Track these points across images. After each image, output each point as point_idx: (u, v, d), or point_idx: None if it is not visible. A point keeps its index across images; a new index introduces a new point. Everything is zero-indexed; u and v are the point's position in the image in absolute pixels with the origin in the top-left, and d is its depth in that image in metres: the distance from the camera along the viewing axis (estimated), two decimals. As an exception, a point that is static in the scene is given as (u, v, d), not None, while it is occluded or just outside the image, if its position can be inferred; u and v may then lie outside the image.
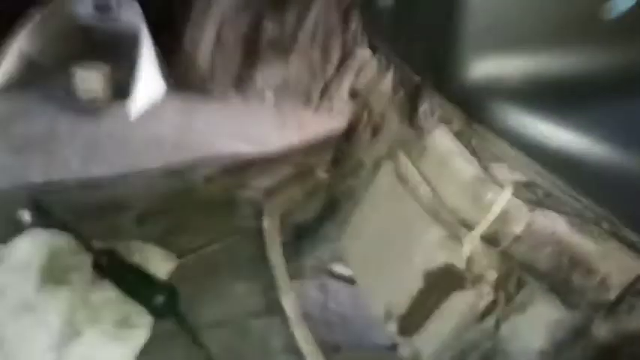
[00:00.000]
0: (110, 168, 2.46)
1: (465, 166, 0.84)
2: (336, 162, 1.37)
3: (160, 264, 1.12)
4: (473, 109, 0.76)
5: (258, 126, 3.09)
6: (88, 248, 1.15)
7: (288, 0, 3.02)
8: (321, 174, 1.38)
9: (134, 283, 1.05)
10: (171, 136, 2.79)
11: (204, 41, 3.09)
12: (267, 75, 3.25)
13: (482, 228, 0.82)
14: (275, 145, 2.68)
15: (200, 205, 1.30)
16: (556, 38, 0.69)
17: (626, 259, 0.76)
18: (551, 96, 0.70)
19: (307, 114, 3.11)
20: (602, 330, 0.82)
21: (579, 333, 0.82)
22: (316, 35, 3.00)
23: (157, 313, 1.02)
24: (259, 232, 1.24)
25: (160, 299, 1.01)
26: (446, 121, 0.86)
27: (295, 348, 1.03)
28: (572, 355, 0.84)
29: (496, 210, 0.80)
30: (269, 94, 3.24)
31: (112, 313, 1.03)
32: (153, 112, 2.91)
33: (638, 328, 0.81)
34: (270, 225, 1.23)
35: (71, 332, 0.99)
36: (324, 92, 3.16)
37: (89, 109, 2.80)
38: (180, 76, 3.15)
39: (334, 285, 1.51)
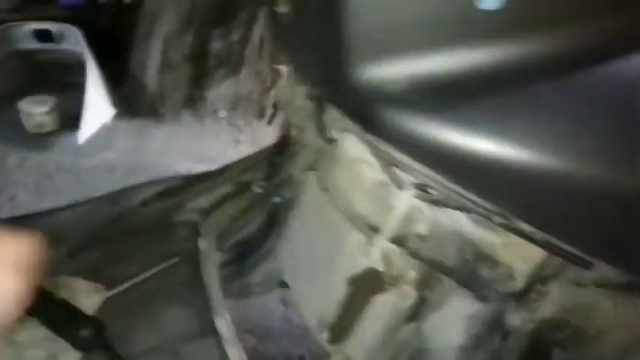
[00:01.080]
0: (60, 199, 2.43)
1: (369, 172, 0.85)
2: (269, 176, 1.37)
3: (87, 297, 1.10)
4: (363, 117, 0.77)
5: (213, 144, 3.08)
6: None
7: (232, 15, 3.01)
8: (257, 189, 1.38)
9: (60, 319, 1.03)
10: (123, 162, 2.76)
11: (151, 63, 3.07)
12: (218, 92, 3.24)
13: (389, 231, 0.83)
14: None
15: (135, 231, 1.28)
16: (437, 37, 0.71)
17: (527, 248, 0.78)
18: (435, 96, 0.72)
19: (261, 127, 3.11)
20: (515, 319, 0.83)
21: (494, 325, 0.84)
22: (263, 47, 3.00)
23: (83, 348, 1.00)
24: (196, 254, 1.23)
25: (85, 333, 0.99)
26: (346, 130, 0.87)
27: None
28: (491, 347, 0.85)
29: (399, 212, 0.81)
30: (222, 111, 3.23)
31: (38, 351, 1.01)
32: (103, 138, 2.87)
33: (550, 314, 0.83)
34: (206, 245, 1.23)
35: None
36: (277, 104, 3.16)
37: (38, 141, 2.75)
38: (129, 100, 3.13)
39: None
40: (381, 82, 0.70)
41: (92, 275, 1.21)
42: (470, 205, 0.75)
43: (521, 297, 0.81)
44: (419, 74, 0.70)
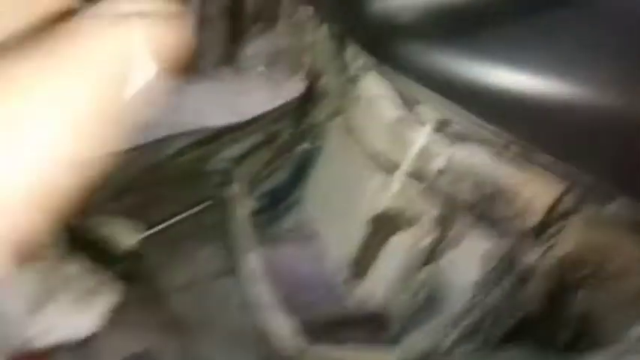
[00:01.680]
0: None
1: (388, 108, 0.85)
2: (298, 124, 1.39)
3: (127, 235, 1.17)
4: (379, 50, 0.77)
5: (252, 99, 3.11)
6: (63, 226, 1.21)
7: (267, -30, 2.99)
8: (286, 138, 1.40)
9: (102, 254, 1.11)
10: (163, 118, 2.84)
11: (189, 19, 3.09)
12: (256, 47, 3.25)
13: (406, 165, 0.83)
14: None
15: (170, 178, 1.34)
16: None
17: (545, 182, 0.77)
18: (450, 25, 0.71)
19: (300, 81, 3.12)
20: (532, 256, 0.84)
21: (510, 261, 0.84)
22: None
23: (123, 279, 1.08)
24: (228, 200, 1.27)
25: (124, 266, 1.07)
26: (367, 67, 0.87)
27: (253, 304, 1.08)
28: (507, 284, 0.86)
29: (417, 147, 0.82)
30: (260, 66, 3.24)
31: (83, 282, 1.10)
32: (143, 95, 2.95)
33: (569, 251, 0.83)
34: (237, 191, 1.27)
35: (46, 299, 1.06)
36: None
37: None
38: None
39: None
40: (395, 13, 0.70)
41: (132, 216, 1.29)
42: (488, 137, 0.74)
43: (539, 233, 0.81)
44: (432, 3, 0.69)
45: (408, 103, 0.83)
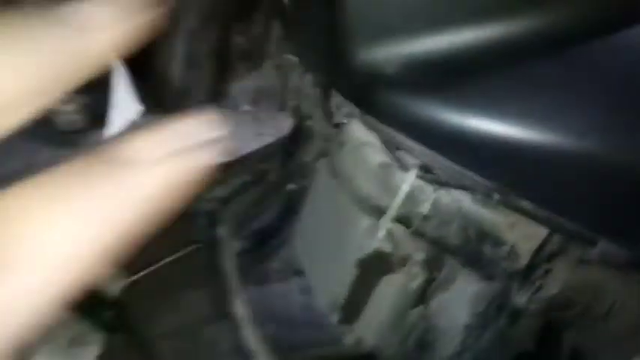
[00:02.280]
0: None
1: (374, 154, 0.87)
2: (284, 164, 1.40)
3: (111, 282, 1.16)
4: (364, 100, 0.79)
5: (237, 137, 3.13)
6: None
7: (254, 10, 3.05)
8: (273, 177, 1.41)
9: (84, 302, 1.09)
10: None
11: (175, 59, 3.13)
12: (241, 86, 3.28)
13: (392, 211, 0.84)
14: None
15: (156, 220, 1.33)
16: (432, 17, 0.72)
17: (530, 226, 0.79)
18: (434, 76, 0.73)
19: (284, 119, 3.15)
20: (521, 298, 0.84)
21: (500, 304, 0.85)
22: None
23: (106, 329, 1.06)
24: (215, 242, 1.27)
25: (108, 315, 1.05)
26: (351, 115, 0.89)
27: (243, 349, 1.06)
28: (497, 326, 0.86)
29: (403, 192, 0.83)
30: (245, 105, 3.28)
31: (66, 332, 1.07)
32: (129, 135, 2.95)
33: (556, 292, 0.83)
34: (224, 233, 1.26)
35: (29, 350, 1.04)
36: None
37: (67, 139, 2.85)
38: (154, 96, 3.20)
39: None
40: (379, 64, 0.71)
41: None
42: (471, 183, 0.76)
43: (526, 275, 0.82)
44: (416, 55, 0.71)
45: (392, 149, 0.84)
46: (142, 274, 1.18)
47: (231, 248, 1.27)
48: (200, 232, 1.35)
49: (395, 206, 0.82)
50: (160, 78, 2.99)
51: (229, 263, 1.21)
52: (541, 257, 0.81)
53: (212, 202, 1.47)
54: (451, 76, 0.71)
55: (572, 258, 0.81)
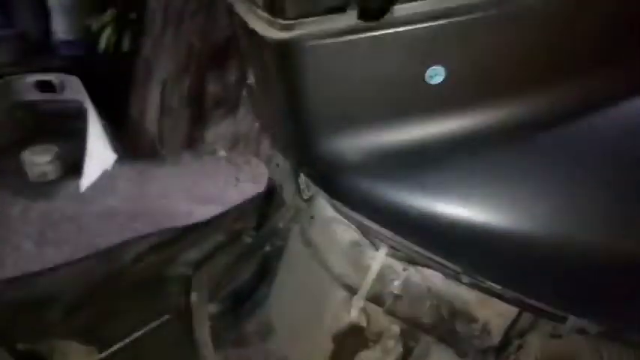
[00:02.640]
0: (64, 249, 2.45)
1: (343, 231, 0.87)
2: (259, 226, 1.39)
3: (83, 358, 1.12)
4: (328, 185, 0.79)
5: (213, 183, 3.11)
6: (12, 352, 1.15)
7: (228, 57, 3.08)
8: (247, 239, 1.40)
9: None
10: (125, 207, 2.80)
11: (150, 108, 3.13)
12: (217, 132, 3.29)
13: (365, 290, 0.84)
14: (232, 201, 2.70)
15: (128, 288, 1.30)
16: (391, 110, 0.73)
17: (500, 305, 0.79)
18: (396, 165, 0.74)
19: (260, 165, 3.15)
20: (496, 374, 0.84)
21: (475, 380, 0.84)
22: (260, 87, 3.03)
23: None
24: (188, 310, 1.24)
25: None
26: (318, 192, 0.89)
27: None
28: (473, 403, 0.85)
29: (373, 272, 0.83)
30: (221, 151, 3.27)
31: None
32: (105, 184, 2.91)
33: (530, 366, 0.83)
34: (197, 300, 1.24)
35: None
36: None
37: (41, 190, 2.79)
38: (130, 144, 3.18)
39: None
40: (342, 153, 0.72)
41: (86, 335, 1.23)
42: (438, 266, 0.76)
43: (500, 351, 0.82)
44: (378, 145, 0.72)
45: (362, 227, 0.84)
46: (112, 349, 1.14)
47: (204, 316, 1.24)
48: (173, 299, 1.32)
49: (366, 286, 0.82)
50: (135, 126, 2.98)
51: (203, 333, 1.18)
52: (513, 333, 0.81)
53: (185, 266, 1.44)
54: (415, 164, 0.72)
55: (544, 332, 0.81)
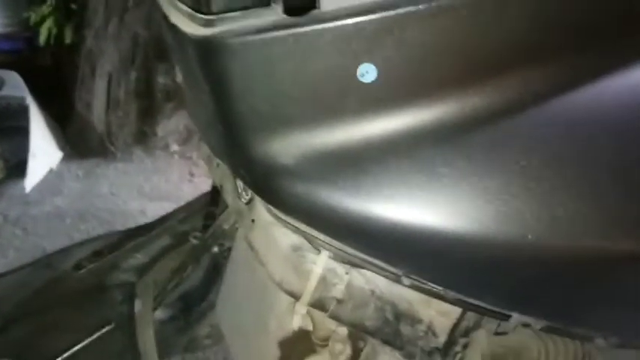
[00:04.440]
0: (9, 253, 2.34)
1: (283, 235, 0.83)
2: (206, 227, 1.34)
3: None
4: (261, 189, 0.76)
5: (166, 179, 3.02)
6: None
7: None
8: (194, 241, 1.35)
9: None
10: (74, 207, 2.69)
11: (96, 102, 3.02)
12: (168, 126, 3.19)
13: (307, 296, 0.81)
14: (186, 197, 2.63)
15: (69, 297, 1.23)
16: (323, 110, 0.69)
17: (444, 305, 0.77)
18: (330, 166, 0.70)
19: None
20: (443, 374, 0.82)
21: (423, 381, 0.82)
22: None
23: None
24: (132, 318, 1.18)
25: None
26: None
27: None
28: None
29: (315, 277, 0.80)
30: (173, 145, 3.18)
31: None
32: (51, 184, 2.80)
33: (477, 363, 0.82)
34: (141, 307, 1.19)
35: None
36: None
37: (-18, 194, 2.66)
38: (77, 141, 3.06)
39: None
40: (273, 156, 0.68)
41: (22, 352, 1.16)
42: (378, 270, 0.73)
43: (446, 350, 0.80)
44: (312, 146, 0.68)
45: (301, 231, 0.81)
46: (54, 363, 1.08)
47: (149, 324, 1.19)
48: (115, 308, 1.26)
49: (309, 291, 0.79)
50: (81, 122, 2.85)
51: (147, 342, 1.13)
52: (458, 332, 0.80)
53: (128, 272, 1.38)
54: (350, 165, 0.68)
55: (489, 330, 0.80)
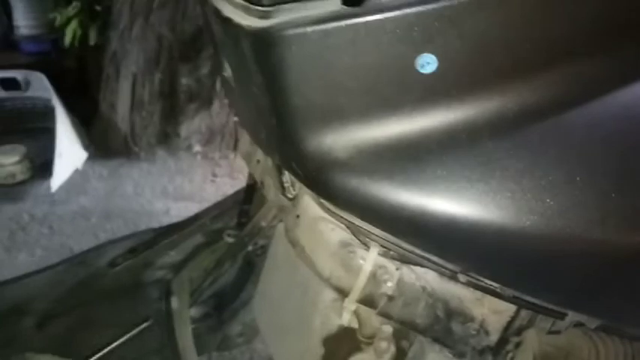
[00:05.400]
0: (36, 252, 2.36)
1: (332, 231, 0.82)
2: (241, 225, 1.34)
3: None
4: (314, 183, 0.75)
5: (190, 180, 3.03)
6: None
7: (199, 50, 2.99)
8: (228, 239, 1.34)
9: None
10: (98, 207, 2.71)
11: (121, 103, 3.04)
12: (191, 126, 3.21)
13: (356, 293, 0.80)
14: (209, 197, 2.64)
15: (105, 294, 1.24)
16: (380, 103, 0.68)
17: (497, 303, 0.76)
18: (384, 160, 0.69)
19: (238, 159, 3.08)
20: (493, 373, 0.81)
21: (473, 380, 0.81)
22: (234, 78, 2.96)
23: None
24: (168, 315, 1.19)
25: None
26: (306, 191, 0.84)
27: None
28: (471, 403, 0.82)
29: (365, 273, 0.79)
30: (196, 145, 3.19)
31: None
32: (76, 184, 2.82)
33: (527, 364, 0.81)
34: (178, 304, 1.19)
35: None
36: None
37: (9, 192, 2.69)
38: (101, 141, 3.08)
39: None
40: (328, 149, 0.68)
41: (62, 346, 1.17)
42: (433, 265, 0.72)
43: (498, 349, 0.79)
44: (367, 139, 0.67)
45: (352, 226, 0.80)
46: (94, 358, 1.08)
47: (186, 321, 1.19)
48: (152, 305, 1.26)
49: (358, 288, 0.78)
50: (106, 122, 2.87)
51: (186, 338, 1.13)
52: (511, 331, 0.78)
53: (163, 270, 1.39)
54: (407, 159, 0.67)
55: (542, 329, 0.78)
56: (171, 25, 2.78)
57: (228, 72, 0.83)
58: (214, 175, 3.00)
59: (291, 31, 0.63)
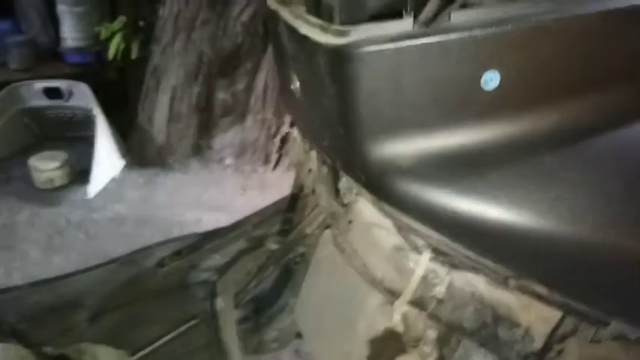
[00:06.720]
0: (72, 255, 2.44)
1: (385, 236, 0.87)
2: (284, 232, 1.40)
3: (114, 363, 1.12)
4: (376, 188, 0.80)
5: (221, 191, 3.11)
6: (39, 356, 1.14)
7: (237, 66, 3.09)
8: (271, 245, 1.40)
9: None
10: (133, 214, 2.79)
11: (158, 114, 3.14)
12: (225, 140, 3.29)
13: (408, 294, 0.85)
14: (239, 209, 2.70)
15: (153, 293, 1.30)
16: (443, 115, 0.74)
17: (543, 309, 0.80)
18: (446, 169, 0.75)
19: (267, 173, 3.15)
20: (536, 378, 0.84)
21: (516, 384, 0.84)
22: (267, 95, 3.06)
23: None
24: (214, 315, 1.24)
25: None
26: (361, 195, 0.90)
27: None
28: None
29: (417, 276, 0.83)
30: (228, 158, 3.28)
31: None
32: (113, 191, 2.90)
33: (570, 371, 0.84)
34: (223, 305, 1.24)
35: None
36: (281, 149, 3.20)
37: (48, 197, 2.78)
38: (138, 151, 3.18)
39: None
40: (392, 157, 0.73)
41: (114, 339, 1.23)
42: (485, 269, 0.77)
43: (541, 356, 0.82)
44: (429, 149, 0.73)
45: (404, 231, 0.85)
46: (142, 353, 1.14)
47: (232, 321, 1.24)
48: (198, 304, 1.32)
49: (410, 290, 0.83)
50: (143, 133, 2.98)
51: (231, 336, 1.18)
52: (555, 338, 0.82)
53: (208, 272, 1.45)
54: (467, 168, 0.73)
55: (584, 337, 0.82)
56: (211, 42, 2.88)
57: (295, 84, 0.90)
58: (245, 187, 3.07)
59: (366, 49, 0.69)
